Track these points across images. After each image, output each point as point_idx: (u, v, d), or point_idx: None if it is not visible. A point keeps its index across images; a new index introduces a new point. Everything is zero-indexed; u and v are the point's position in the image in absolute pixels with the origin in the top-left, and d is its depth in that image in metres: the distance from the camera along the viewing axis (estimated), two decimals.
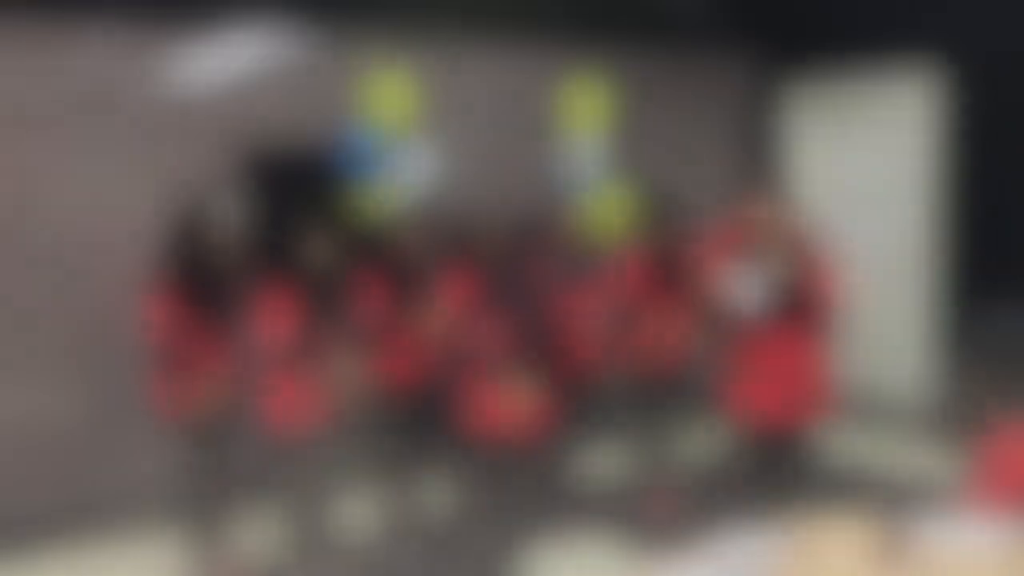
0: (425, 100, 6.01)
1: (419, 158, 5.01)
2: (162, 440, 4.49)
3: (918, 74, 6.20)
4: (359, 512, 4.72)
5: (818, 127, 7.09)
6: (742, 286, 3.49)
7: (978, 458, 2.73)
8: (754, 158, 7.49)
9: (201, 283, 4.00)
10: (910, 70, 6.23)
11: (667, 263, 4.65)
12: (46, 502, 5.09)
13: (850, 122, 6.84)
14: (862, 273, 6.78)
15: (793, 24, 7.08)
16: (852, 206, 6.87)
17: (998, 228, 6.04)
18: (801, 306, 3.54)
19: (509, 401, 4.06)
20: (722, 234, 4.89)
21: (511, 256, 4.43)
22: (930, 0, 6.14)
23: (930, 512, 2.57)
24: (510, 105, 6.48)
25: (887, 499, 4.89)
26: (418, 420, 4.49)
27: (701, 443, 5.81)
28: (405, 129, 5.08)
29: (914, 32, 6.25)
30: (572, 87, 5.43)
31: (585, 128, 5.40)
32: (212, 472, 4.10)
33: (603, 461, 5.64)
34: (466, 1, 6.29)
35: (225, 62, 5.57)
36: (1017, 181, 5.86)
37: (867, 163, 6.75)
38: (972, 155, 6.09)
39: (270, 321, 4.00)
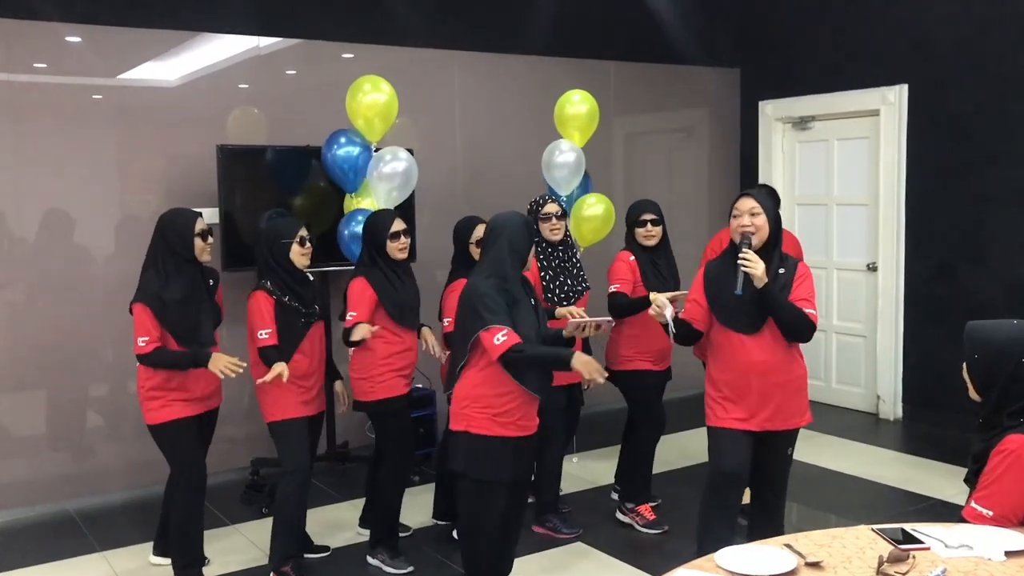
0: (417, 106, 5.99)
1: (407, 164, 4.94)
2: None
3: (880, 96, 6.61)
4: None
5: (791, 142, 7.36)
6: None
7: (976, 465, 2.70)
8: (738, 168, 7.62)
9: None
10: (875, 92, 6.65)
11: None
12: None
13: (821, 138, 7.17)
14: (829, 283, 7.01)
15: (773, 48, 7.40)
16: (819, 217, 7.14)
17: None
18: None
19: None
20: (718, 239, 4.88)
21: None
22: (890, 30, 6.55)
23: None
24: (507, 112, 6.48)
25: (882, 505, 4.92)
26: None
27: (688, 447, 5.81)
28: (383, 133, 4.99)
29: (876, 59, 6.64)
30: (568, 97, 5.42)
31: (578, 136, 5.39)
32: None
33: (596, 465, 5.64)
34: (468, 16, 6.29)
35: (212, 62, 5.51)
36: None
37: (834, 177, 7.07)
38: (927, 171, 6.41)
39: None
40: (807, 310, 3.50)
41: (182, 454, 3.93)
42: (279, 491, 4.04)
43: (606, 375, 3.32)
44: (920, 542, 2.42)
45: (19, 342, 5.00)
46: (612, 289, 4.50)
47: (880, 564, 2.27)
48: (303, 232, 3.99)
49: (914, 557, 2.31)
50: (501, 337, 3.27)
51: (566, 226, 4.61)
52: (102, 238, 5.21)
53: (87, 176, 5.14)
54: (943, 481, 5.33)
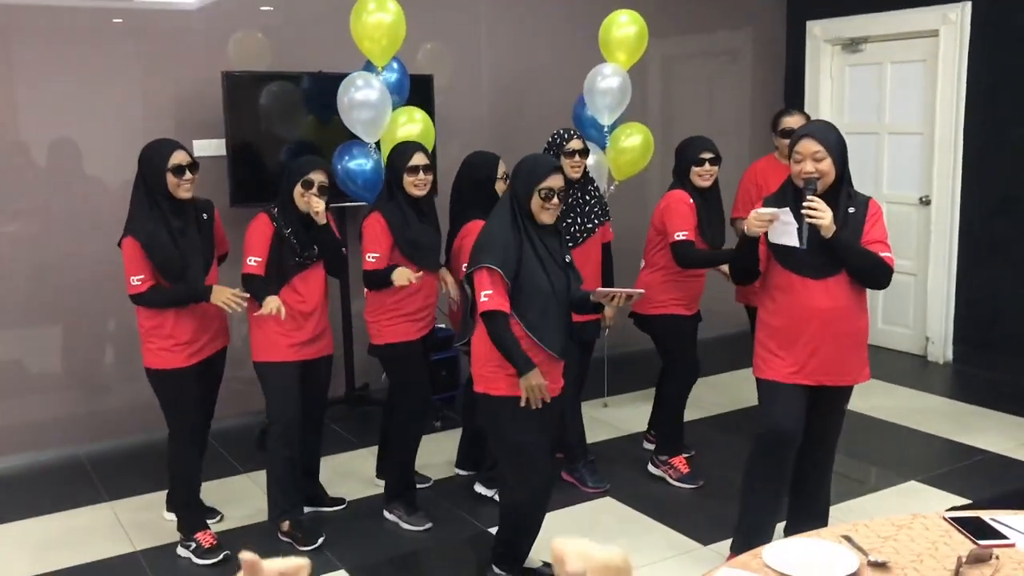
0: (438, 29, 5.59)
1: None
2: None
3: (940, 15, 6.10)
4: None
5: (841, 65, 6.89)
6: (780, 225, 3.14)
7: None
8: (782, 94, 7.15)
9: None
10: (934, 10, 6.14)
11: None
12: None
13: (873, 62, 6.67)
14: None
15: None
16: (870, 147, 6.67)
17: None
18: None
19: None
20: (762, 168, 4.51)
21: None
22: None
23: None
24: (537, 34, 6.05)
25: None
26: None
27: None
28: (390, 57, 4.57)
29: None
30: (614, 18, 5.04)
31: (624, 58, 4.99)
32: None
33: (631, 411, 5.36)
34: None
35: None
36: None
37: (887, 104, 6.60)
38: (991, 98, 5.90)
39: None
40: (883, 254, 3.14)
41: (177, 407, 3.69)
42: (267, 444, 3.82)
43: (546, 400, 3.11)
44: (1003, 536, 2.11)
45: (29, 276, 4.77)
46: (680, 237, 4.06)
47: (958, 566, 1.96)
48: (321, 177, 3.68)
49: (997, 557, 2.00)
50: (484, 296, 3.04)
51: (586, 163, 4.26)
52: (114, 168, 4.91)
53: (97, 104, 4.82)
54: (998, 432, 5.00)
